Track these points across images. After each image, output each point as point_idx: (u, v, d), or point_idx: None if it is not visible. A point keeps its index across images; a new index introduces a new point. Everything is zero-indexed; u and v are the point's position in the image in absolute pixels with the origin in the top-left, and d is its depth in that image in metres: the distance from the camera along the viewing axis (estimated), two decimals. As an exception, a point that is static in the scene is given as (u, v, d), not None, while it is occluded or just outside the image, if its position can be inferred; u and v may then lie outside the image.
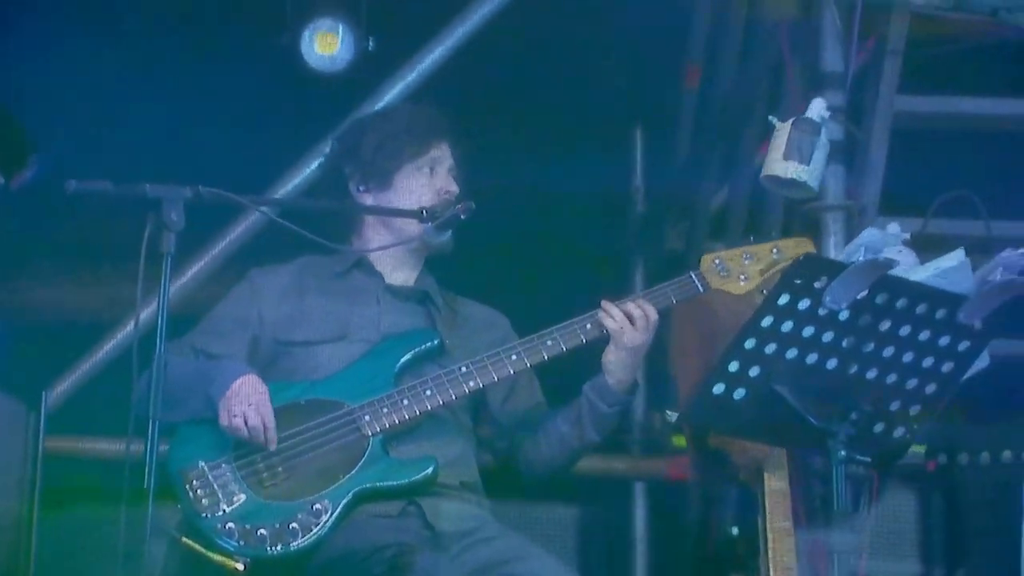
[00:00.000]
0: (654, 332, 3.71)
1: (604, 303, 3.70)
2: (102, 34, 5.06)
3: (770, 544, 3.93)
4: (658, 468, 5.66)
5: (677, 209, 6.27)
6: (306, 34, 4.81)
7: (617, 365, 3.73)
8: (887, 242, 3.43)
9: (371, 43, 4.88)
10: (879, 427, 3.52)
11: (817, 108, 3.60)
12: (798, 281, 3.32)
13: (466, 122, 4.00)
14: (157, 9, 5.03)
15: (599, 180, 6.01)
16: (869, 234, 3.42)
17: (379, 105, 4.96)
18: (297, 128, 4.92)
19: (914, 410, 3.51)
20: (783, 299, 3.34)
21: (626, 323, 3.67)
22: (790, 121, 3.58)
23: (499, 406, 3.93)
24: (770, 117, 3.67)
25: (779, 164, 3.62)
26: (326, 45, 4.81)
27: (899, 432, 3.55)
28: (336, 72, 4.89)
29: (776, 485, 3.96)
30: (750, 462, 3.97)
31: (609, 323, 3.68)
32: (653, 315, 3.70)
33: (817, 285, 3.32)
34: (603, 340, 3.71)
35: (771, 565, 3.91)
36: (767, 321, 3.36)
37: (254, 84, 4.96)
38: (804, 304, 3.34)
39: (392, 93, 4.97)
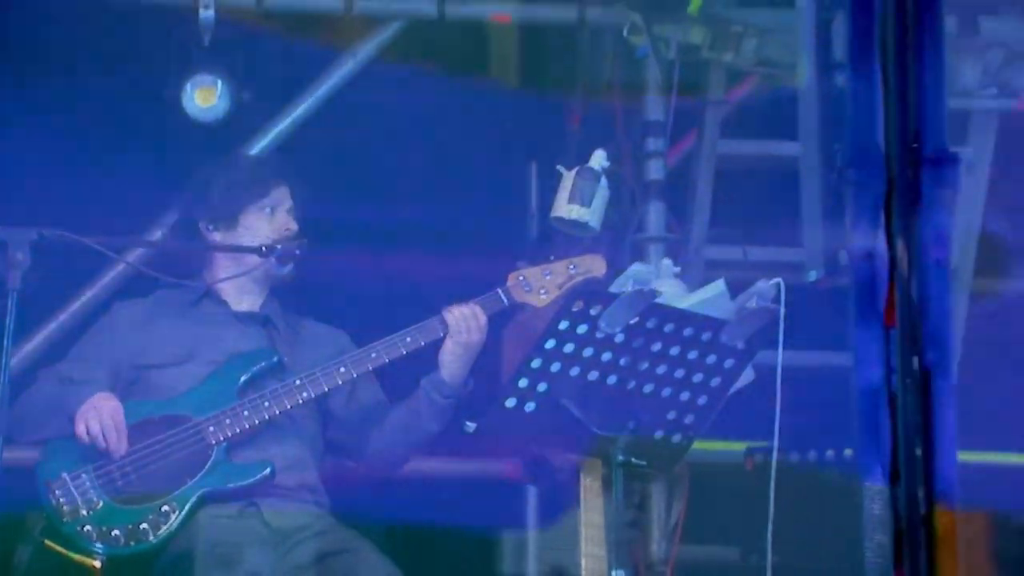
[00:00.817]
0: (484, 333, 4.23)
1: (447, 308, 4.23)
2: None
3: (583, 536, 4.41)
4: (498, 469, 6.10)
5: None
6: (188, 87, 5.27)
7: (451, 360, 4.24)
8: (659, 274, 3.94)
9: (246, 95, 5.33)
10: (659, 434, 4.02)
11: (598, 158, 4.10)
12: (575, 309, 3.82)
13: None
14: (41, 54, 5.44)
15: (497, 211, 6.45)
16: (636, 268, 3.92)
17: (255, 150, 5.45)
18: (180, 172, 5.36)
19: (688, 419, 4.01)
20: (563, 324, 3.84)
21: (463, 322, 4.20)
22: (575, 170, 4.08)
23: (342, 409, 4.40)
24: (557, 166, 4.16)
25: (564, 207, 4.12)
26: (205, 98, 5.26)
27: (677, 438, 4.06)
28: (215, 121, 5.34)
29: (590, 483, 4.44)
30: (566, 463, 4.46)
31: (450, 319, 4.20)
32: (483, 317, 4.22)
33: (593, 312, 3.82)
34: (422, 351, 4.24)
35: (583, 555, 4.39)
36: (550, 344, 3.85)
37: (139, 132, 5.40)
38: (583, 329, 3.84)
39: (266, 140, 5.43)
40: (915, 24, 2.85)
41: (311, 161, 5.09)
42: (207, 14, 5.08)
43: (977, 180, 5.09)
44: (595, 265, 4.29)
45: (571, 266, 4.31)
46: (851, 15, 2.94)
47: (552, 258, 4.32)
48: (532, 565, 5.60)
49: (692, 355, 3.91)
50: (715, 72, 5.08)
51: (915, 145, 2.78)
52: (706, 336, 3.90)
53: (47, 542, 4.06)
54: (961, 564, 2.73)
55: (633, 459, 3.89)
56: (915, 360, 2.78)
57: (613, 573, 3.99)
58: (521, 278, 4.32)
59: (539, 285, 4.30)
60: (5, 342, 3.66)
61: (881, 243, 2.78)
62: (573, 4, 5.28)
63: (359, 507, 4.44)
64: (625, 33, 4.95)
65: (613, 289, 3.92)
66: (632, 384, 3.92)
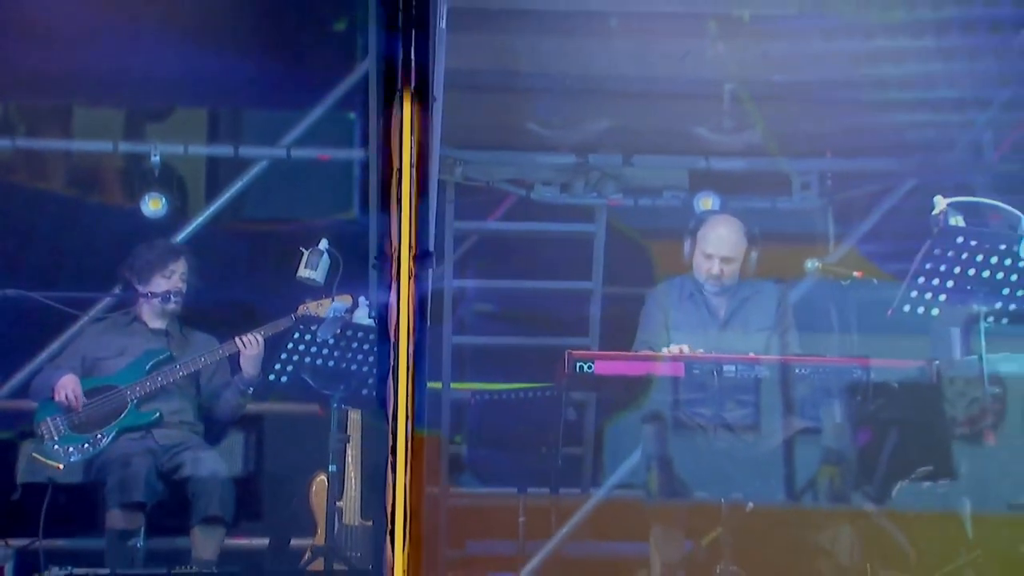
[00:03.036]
0: (261, 347, 7.53)
1: (237, 337, 7.60)
2: None
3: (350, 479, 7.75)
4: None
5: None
6: (145, 198, 8.71)
7: (245, 364, 7.57)
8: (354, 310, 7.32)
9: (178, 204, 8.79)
10: (363, 392, 7.38)
11: (323, 243, 7.43)
12: (302, 325, 7.24)
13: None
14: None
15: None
16: (336, 306, 7.26)
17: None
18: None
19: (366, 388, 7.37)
20: (298, 334, 7.26)
21: (246, 343, 7.57)
22: (309, 249, 7.43)
23: (206, 384, 7.74)
24: (300, 247, 7.51)
25: (302, 271, 7.48)
26: (155, 205, 8.68)
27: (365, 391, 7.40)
28: (159, 219, 8.70)
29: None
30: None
31: (238, 341, 7.57)
32: (260, 339, 7.55)
33: (314, 328, 7.23)
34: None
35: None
36: (292, 344, 7.28)
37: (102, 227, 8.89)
38: (308, 336, 7.25)
39: (189, 229, 8.82)
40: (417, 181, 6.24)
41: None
42: (155, 160, 8.61)
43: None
44: (344, 299, 7.59)
45: (332, 299, 7.60)
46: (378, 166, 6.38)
47: (323, 296, 7.63)
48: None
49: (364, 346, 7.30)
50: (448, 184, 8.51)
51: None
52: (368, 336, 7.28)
53: (33, 454, 7.52)
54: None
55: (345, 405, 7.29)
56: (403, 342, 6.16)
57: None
58: (307, 306, 7.64)
59: (316, 309, 7.61)
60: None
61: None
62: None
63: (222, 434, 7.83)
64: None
65: (329, 316, 7.27)
66: (342, 364, 7.31)
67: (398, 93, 6.25)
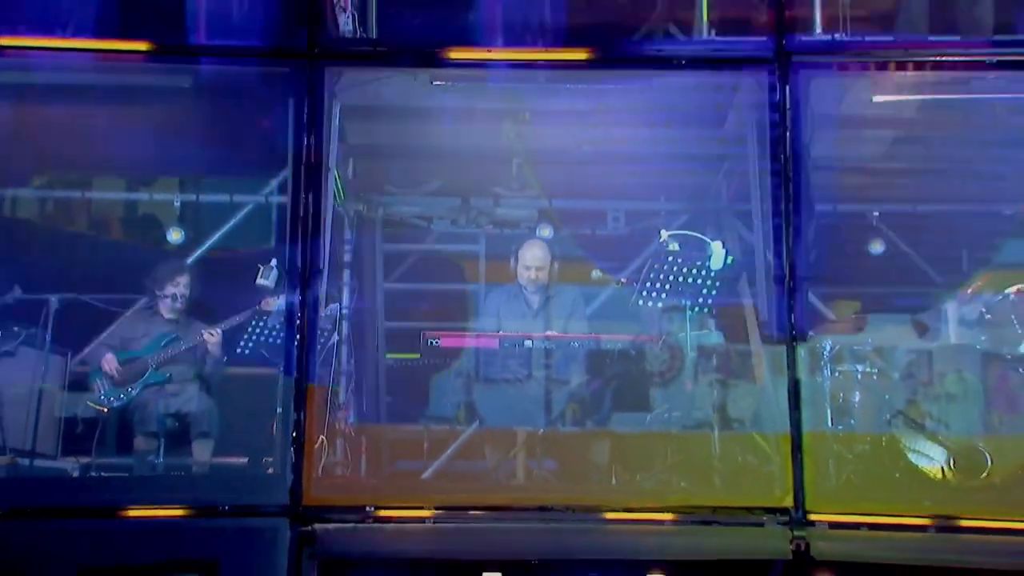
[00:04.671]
0: (220, 336, 11.55)
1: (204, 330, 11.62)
2: None
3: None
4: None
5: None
6: (169, 232, 12.85)
7: (212, 349, 11.59)
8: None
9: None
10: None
11: (274, 263, 11.37)
12: (259, 317, 11.24)
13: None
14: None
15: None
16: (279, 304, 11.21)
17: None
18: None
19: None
20: (255, 322, 11.25)
21: (210, 335, 11.57)
22: (265, 265, 11.38)
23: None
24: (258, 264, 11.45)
25: (259, 280, 11.38)
26: (175, 237, 12.81)
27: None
28: (179, 246, 12.89)
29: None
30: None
31: (205, 333, 11.58)
32: (218, 332, 11.54)
33: (266, 318, 11.21)
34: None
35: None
36: (251, 328, 11.29)
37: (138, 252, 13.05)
38: (263, 324, 11.24)
39: (198, 252, 12.93)
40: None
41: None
42: (177, 204, 12.70)
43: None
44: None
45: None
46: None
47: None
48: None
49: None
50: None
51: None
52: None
53: (89, 402, 11.56)
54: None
55: (283, 368, 11.25)
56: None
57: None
58: (263, 303, 11.61)
59: (268, 306, 11.59)
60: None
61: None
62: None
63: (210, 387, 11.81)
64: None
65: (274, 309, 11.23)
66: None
67: (302, 166, 10.21)
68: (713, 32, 11.20)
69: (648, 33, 11.45)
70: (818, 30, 10.90)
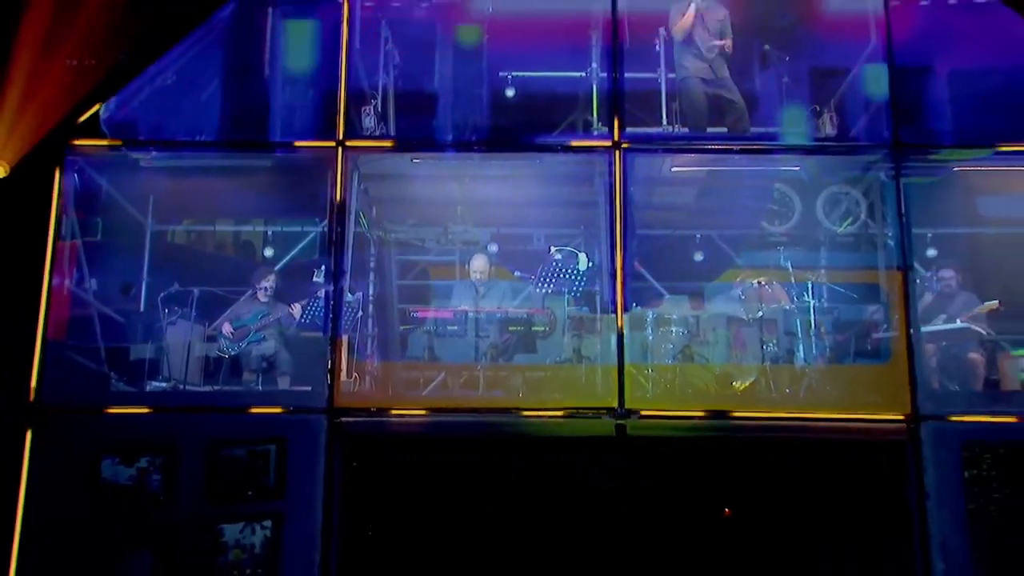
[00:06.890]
0: (301, 310, 19.27)
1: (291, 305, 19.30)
2: None
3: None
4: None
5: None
6: (265, 249, 20.54)
7: (289, 321, 19.32)
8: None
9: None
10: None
11: (323, 268, 18.92)
12: (315, 299, 18.94)
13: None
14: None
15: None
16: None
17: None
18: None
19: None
20: (313, 303, 18.96)
21: (297, 308, 19.27)
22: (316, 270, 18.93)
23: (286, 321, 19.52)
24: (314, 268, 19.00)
25: (315, 279, 19.00)
26: (269, 252, 20.51)
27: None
28: (268, 259, 20.68)
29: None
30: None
31: (292, 308, 19.30)
32: (298, 308, 19.29)
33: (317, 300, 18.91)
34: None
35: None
36: (311, 307, 19.03)
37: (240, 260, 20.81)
38: (319, 303, 18.95)
39: (282, 263, 20.57)
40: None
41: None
42: (270, 234, 20.49)
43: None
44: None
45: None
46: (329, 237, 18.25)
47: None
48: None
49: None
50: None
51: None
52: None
53: (217, 351, 19.22)
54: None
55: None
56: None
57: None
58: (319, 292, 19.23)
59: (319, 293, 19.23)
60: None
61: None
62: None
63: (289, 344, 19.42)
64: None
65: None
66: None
67: (334, 211, 17.87)
68: (601, 124, 18.63)
69: (569, 126, 18.96)
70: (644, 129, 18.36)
